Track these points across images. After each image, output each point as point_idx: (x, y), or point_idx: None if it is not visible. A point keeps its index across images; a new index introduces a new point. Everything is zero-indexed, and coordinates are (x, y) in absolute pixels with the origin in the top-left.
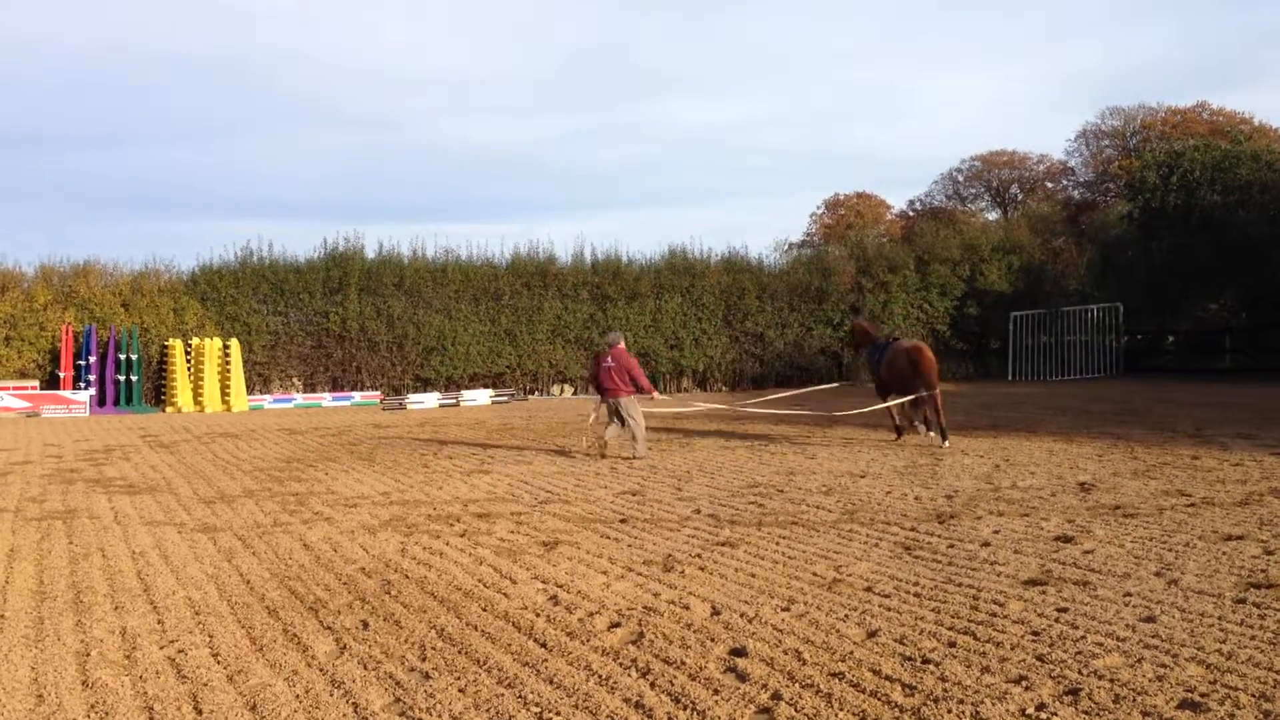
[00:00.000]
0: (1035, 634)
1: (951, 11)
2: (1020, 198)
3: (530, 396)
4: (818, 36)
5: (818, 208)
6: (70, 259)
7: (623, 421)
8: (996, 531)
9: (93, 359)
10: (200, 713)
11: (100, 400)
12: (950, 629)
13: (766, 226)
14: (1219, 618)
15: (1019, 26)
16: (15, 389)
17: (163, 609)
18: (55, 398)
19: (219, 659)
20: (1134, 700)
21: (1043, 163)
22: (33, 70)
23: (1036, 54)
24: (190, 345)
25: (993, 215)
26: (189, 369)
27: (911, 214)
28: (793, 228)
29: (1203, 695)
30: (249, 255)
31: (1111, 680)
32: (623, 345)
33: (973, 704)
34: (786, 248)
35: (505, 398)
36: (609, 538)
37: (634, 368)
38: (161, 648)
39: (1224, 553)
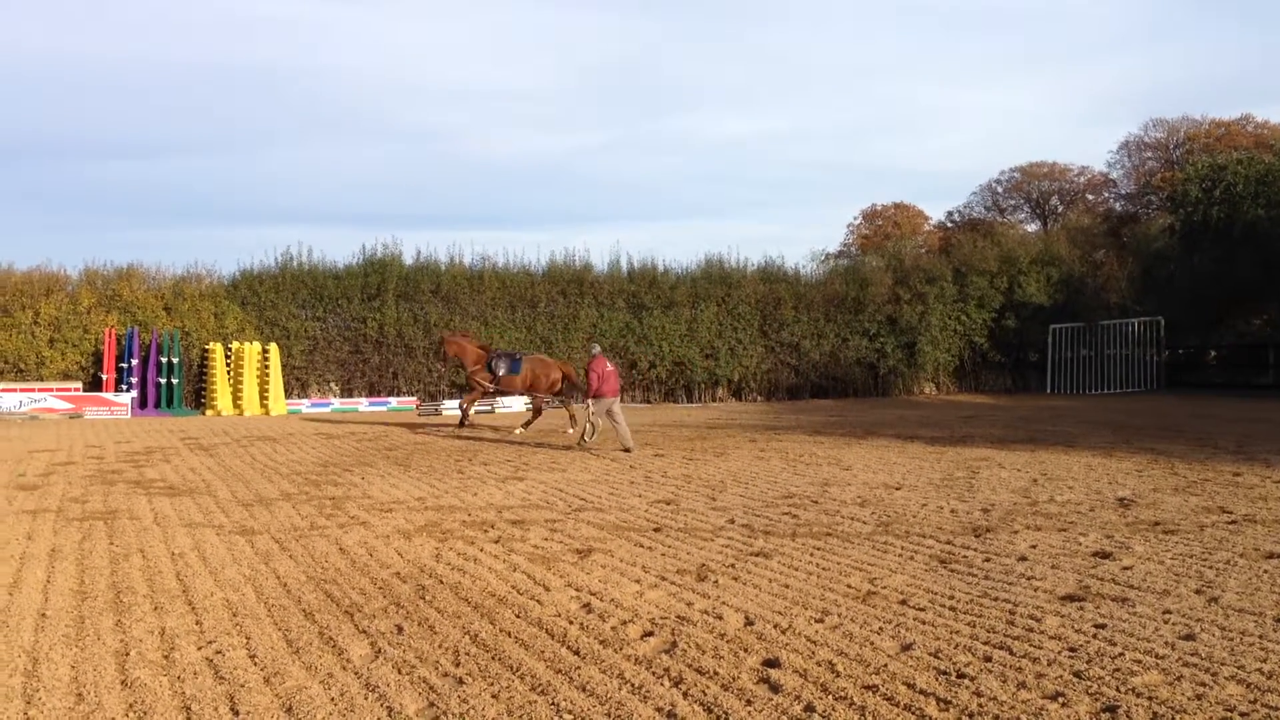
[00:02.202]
0: (1072, 650)
1: (993, 23)
2: (1060, 210)
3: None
4: (858, 48)
5: (855, 218)
6: (114, 263)
7: (614, 419)
8: (1034, 546)
9: (134, 362)
10: (237, 714)
11: (141, 402)
12: (986, 644)
13: (803, 237)
14: (1260, 636)
15: (1062, 38)
16: (59, 390)
17: (201, 610)
18: (97, 399)
19: (256, 660)
20: (1173, 718)
21: (1084, 174)
22: (80, 81)
23: (1079, 65)
24: (230, 349)
25: (1032, 227)
26: (228, 373)
27: (950, 225)
28: (830, 238)
29: (1243, 715)
30: (289, 261)
31: (1150, 698)
32: None
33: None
34: (823, 258)
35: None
36: (643, 546)
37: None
38: (199, 648)
39: (1265, 571)
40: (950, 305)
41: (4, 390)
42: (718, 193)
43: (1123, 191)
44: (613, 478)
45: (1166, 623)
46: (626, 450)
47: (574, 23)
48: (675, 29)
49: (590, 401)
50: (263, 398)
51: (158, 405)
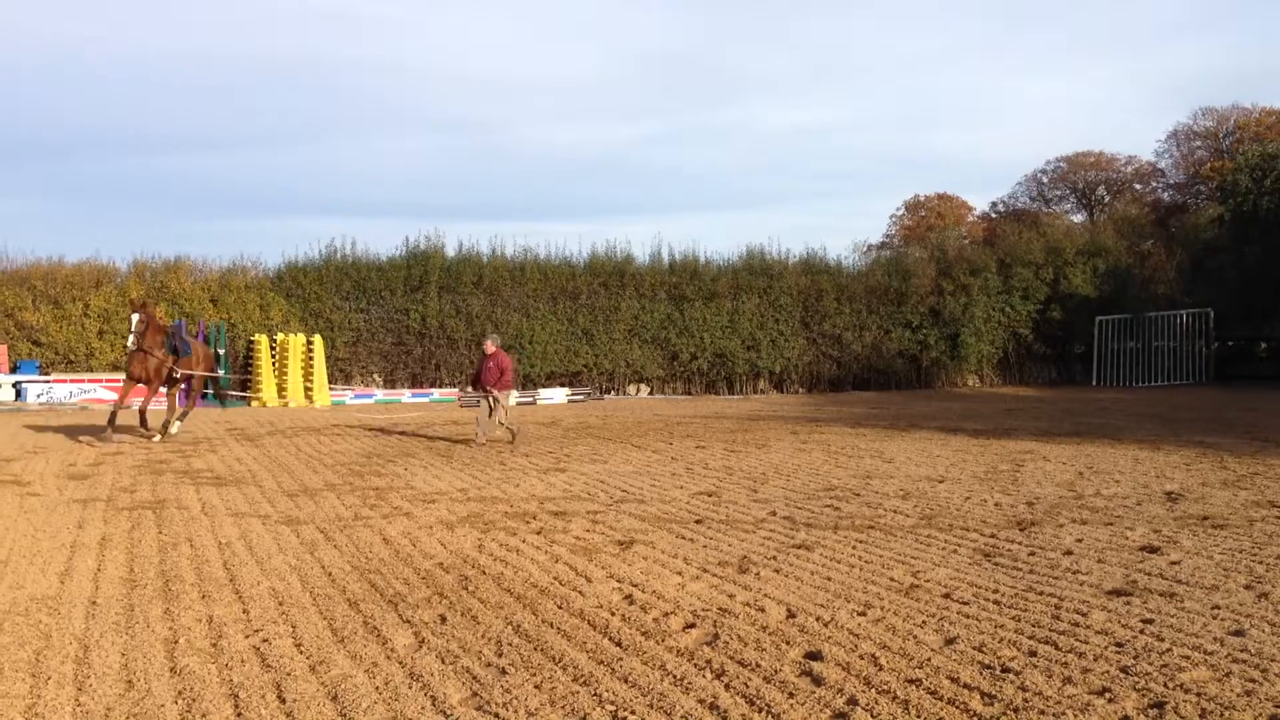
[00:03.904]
0: (1119, 645)
1: (1041, 11)
2: (1107, 200)
3: (606, 395)
4: (902, 38)
5: (898, 209)
6: (162, 255)
7: (491, 409)
8: (1079, 540)
9: None
10: (284, 701)
11: (188, 393)
12: (1031, 638)
13: (845, 228)
14: None
15: (1110, 26)
16: (108, 381)
17: (248, 599)
18: (146, 391)
19: (302, 649)
20: (1221, 715)
21: (1131, 164)
22: (128, 75)
23: (1128, 54)
24: (275, 340)
25: (1078, 217)
26: (274, 364)
27: (994, 216)
28: (872, 229)
29: None
30: (333, 253)
31: (1198, 694)
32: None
33: (1054, 715)
34: (865, 249)
35: (581, 396)
36: (684, 538)
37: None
38: (246, 637)
39: None
40: (994, 297)
41: (55, 381)
42: (759, 184)
43: (1171, 181)
44: (654, 470)
45: (1215, 618)
46: (509, 441)
47: (619, 13)
48: (721, 20)
49: (501, 395)
50: (307, 389)
51: (204, 396)
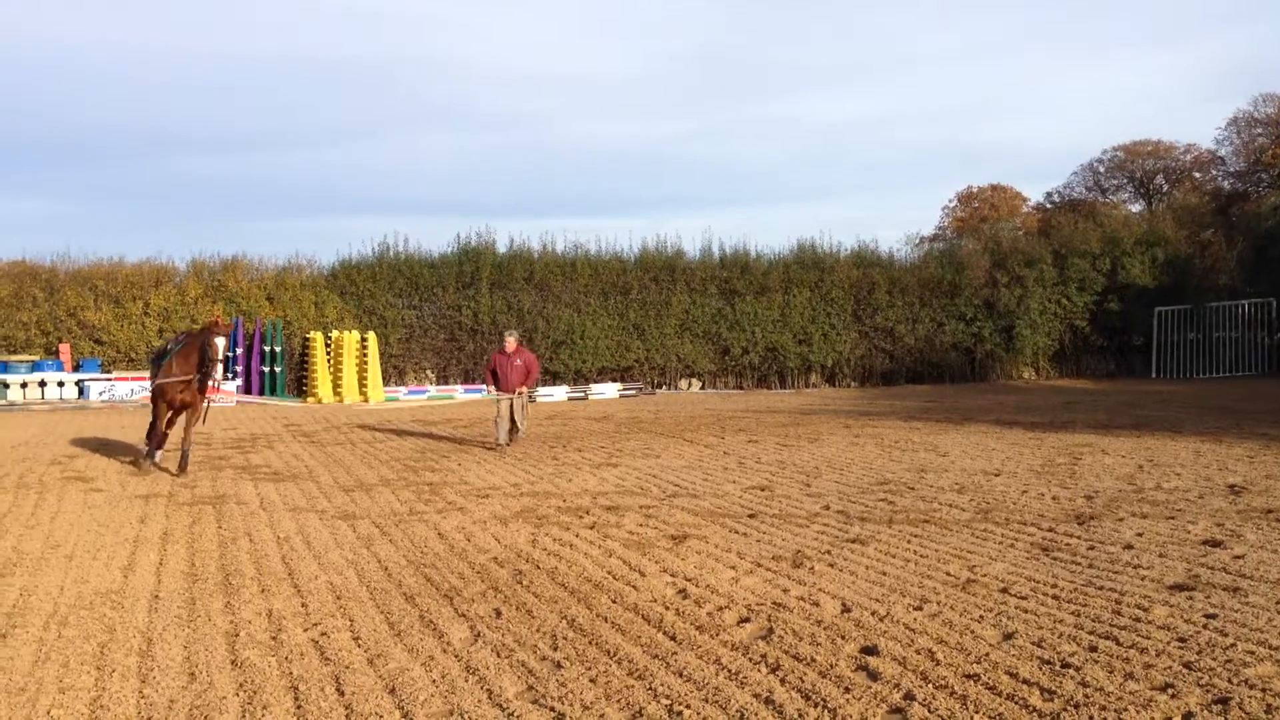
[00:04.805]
0: (1182, 640)
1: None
2: (1166, 189)
3: (658, 390)
4: (953, 28)
5: (950, 201)
6: (219, 255)
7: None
8: (1140, 534)
9: (239, 351)
10: (342, 694)
11: (246, 390)
12: (1091, 633)
13: (897, 221)
14: None
15: (1167, 11)
16: None
17: (306, 593)
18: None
19: (359, 643)
20: None
21: (1190, 152)
22: (188, 78)
23: (1185, 40)
24: (330, 338)
25: (1136, 207)
26: (329, 361)
27: (1049, 206)
28: (924, 221)
29: None
30: (386, 251)
31: (1264, 690)
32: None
33: (1115, 710)
34: (918, 242)
35: (633, 391)
36: (737, 532)
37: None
38: (305, 630)
39: None
40: (1050, 288)
41: (117, 379)
42: (810, 176)
43: (1231, 169)
44: (706, 464)
45: None
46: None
47: (668, 6)
48: (770, 11)
49: (528, 392)
50: (361, 385)
51: (262, 393)
